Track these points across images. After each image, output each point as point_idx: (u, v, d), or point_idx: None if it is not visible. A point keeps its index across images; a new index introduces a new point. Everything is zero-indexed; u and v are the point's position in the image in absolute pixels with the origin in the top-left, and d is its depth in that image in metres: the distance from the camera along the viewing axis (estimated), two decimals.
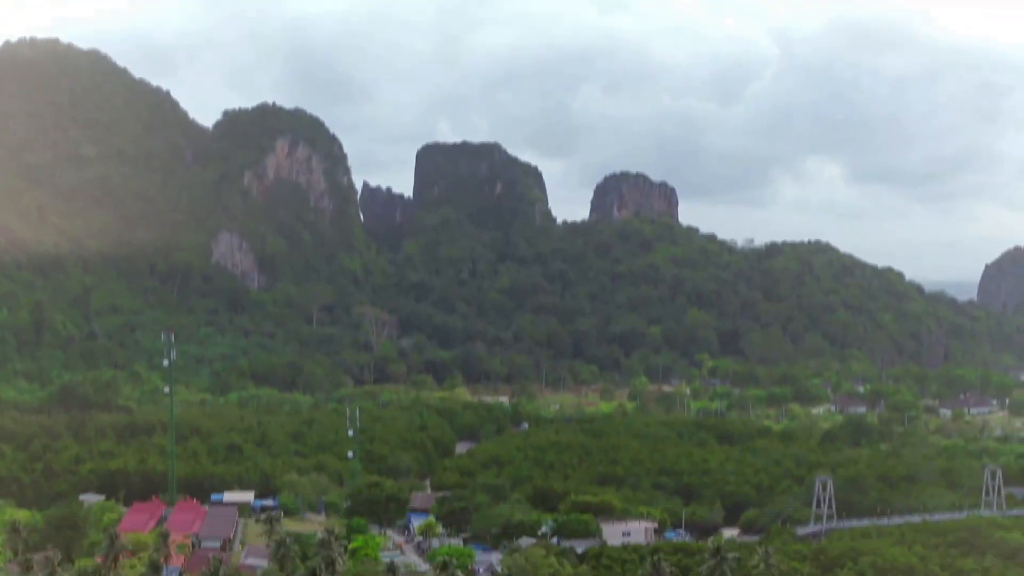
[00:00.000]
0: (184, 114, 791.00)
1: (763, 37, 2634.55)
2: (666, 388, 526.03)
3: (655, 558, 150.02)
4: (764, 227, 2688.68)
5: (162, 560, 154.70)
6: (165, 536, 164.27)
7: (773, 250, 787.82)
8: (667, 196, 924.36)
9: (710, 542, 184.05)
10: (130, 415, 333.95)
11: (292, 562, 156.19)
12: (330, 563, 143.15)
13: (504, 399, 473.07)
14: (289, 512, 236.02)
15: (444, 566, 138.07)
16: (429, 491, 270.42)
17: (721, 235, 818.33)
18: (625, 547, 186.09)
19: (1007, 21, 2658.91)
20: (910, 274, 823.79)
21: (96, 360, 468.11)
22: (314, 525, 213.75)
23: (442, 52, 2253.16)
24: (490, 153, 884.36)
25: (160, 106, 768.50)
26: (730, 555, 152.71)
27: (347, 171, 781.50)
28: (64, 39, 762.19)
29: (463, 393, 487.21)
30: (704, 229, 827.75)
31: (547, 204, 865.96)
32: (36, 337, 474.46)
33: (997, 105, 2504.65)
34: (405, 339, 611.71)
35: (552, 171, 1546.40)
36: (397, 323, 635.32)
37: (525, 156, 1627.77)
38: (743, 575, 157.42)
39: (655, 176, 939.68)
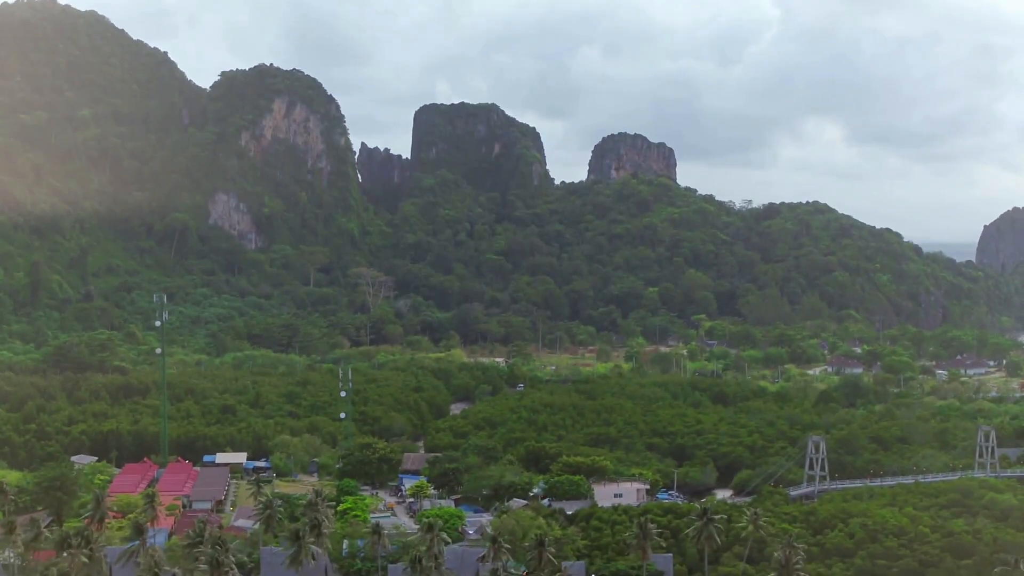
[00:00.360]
0: (182, 75, 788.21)
1: None
2: (663, 349, 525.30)
3: (642, 519, 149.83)
4: (763, 188, 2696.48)
5: (148, 522, 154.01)
6: (152, 498, 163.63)
7: (771, 211, 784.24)
8: (665, 157, 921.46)
9: (700, 504, 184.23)
10: (125, 376, 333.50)
11: (279, 523, 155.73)
12: (316, 524, 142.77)
13: (500, 360, 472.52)
14: (282, 473, 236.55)
15: (429, 528, 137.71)
16: (422, 452, 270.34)
17: (719, 196, 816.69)
18: (615, 508, 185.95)
19: None
20: (908, 235, 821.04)
21: (92, 321, 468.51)
22: (306, 486, 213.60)
23: (441, 13, 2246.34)
24: (488, 114, 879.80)
25: (158, 67, 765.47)
26: (717, 516, 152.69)
27: (345, 132, 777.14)
28: (62, 0, 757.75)
29: (459, 354, 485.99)
30: (702, 190, 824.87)
31: (545, 165, 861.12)
32: (32, 298, 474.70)
33: (997, 67, 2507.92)
34: (402, 300, 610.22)
35: (550, 132, 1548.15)
36: (394, 284, 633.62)
37: (523, 117, 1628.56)
38: (731, 536, 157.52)
39: (653, 137, 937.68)
